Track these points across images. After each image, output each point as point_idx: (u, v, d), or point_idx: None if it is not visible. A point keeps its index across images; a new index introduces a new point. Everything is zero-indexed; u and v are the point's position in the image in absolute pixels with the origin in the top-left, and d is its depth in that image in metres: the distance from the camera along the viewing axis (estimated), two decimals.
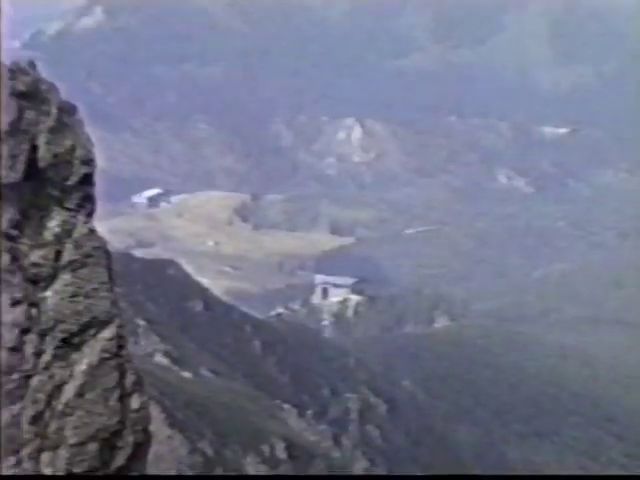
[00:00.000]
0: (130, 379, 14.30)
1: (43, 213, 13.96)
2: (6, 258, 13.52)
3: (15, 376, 13.35)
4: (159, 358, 71.01)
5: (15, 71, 13.88)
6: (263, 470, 57.48)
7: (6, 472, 13.40)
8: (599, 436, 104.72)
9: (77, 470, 13.56)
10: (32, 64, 14.18)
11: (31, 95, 13.87)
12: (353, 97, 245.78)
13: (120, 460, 14.03)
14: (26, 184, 13.78)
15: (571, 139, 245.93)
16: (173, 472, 50.91)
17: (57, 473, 13.36)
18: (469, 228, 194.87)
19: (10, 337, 13.40)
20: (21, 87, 13.79)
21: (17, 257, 13.63)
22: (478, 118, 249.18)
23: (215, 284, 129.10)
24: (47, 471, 13.42)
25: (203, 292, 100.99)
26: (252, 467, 57.24)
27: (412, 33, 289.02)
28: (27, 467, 13.31)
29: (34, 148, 13.84)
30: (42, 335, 13.65)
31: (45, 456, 13.48)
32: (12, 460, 13.27)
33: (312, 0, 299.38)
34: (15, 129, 13.77)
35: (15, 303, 13.47)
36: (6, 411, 13.24)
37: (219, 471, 54.72)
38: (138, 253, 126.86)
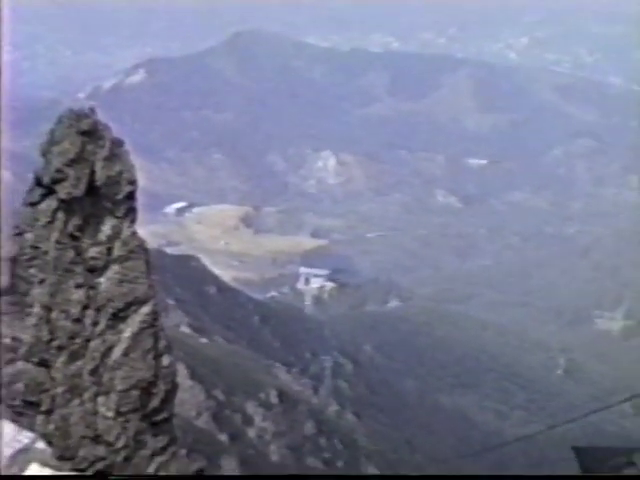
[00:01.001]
0: (162, 343, 14.34)
1: (99, 220, 13.99)
2: (72, 253, 13.55)
3: (78, 340, 13.38)
4: (184, 328, 70.78)
5: (80, 115, 13.91)
6: (260, 411, 57.32)
7: (71, 410, 13.39)
8: (508, 387, 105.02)
9: (124, 410, 13.56)
10: (92, 110, 14.22)
11: (91, 133, 13.90)
12: (330, 136, 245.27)
13: (155, 403, 14.06)
14: (86, 198, 13.81)
15: (490, 168, 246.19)
16: (194, 413, 50.74)
17: (109, 412, 13.33)
18: (414, 233, 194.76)
19: (74, 311, 13.44)
20: (84, 127, 13.81)
21: (80, 252, 13.66)
22: (422, 152, 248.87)
23: (226, 274, 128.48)
24: (102, 409, 13.42)
25: (217, 280, 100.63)
26: (252, 409, 57.12)
27: (374, 89, 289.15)
28: (88, 406, 13.32)
29: (93, 172, 13.86)
30: (98, 310, 13.68)
31: (100, 399, 13.51)
32: (77, 401, 13.29)
33: (299, 63, 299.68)
34: (79, 158, 13.77)
35: (78, 286, 13.51)
36: (72, 366, 13.26)
37: (228, 412, 54.49)
38: (168, 250, 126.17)
